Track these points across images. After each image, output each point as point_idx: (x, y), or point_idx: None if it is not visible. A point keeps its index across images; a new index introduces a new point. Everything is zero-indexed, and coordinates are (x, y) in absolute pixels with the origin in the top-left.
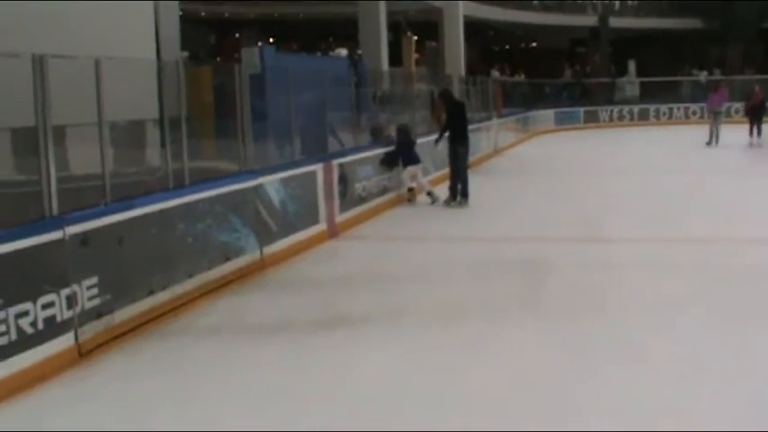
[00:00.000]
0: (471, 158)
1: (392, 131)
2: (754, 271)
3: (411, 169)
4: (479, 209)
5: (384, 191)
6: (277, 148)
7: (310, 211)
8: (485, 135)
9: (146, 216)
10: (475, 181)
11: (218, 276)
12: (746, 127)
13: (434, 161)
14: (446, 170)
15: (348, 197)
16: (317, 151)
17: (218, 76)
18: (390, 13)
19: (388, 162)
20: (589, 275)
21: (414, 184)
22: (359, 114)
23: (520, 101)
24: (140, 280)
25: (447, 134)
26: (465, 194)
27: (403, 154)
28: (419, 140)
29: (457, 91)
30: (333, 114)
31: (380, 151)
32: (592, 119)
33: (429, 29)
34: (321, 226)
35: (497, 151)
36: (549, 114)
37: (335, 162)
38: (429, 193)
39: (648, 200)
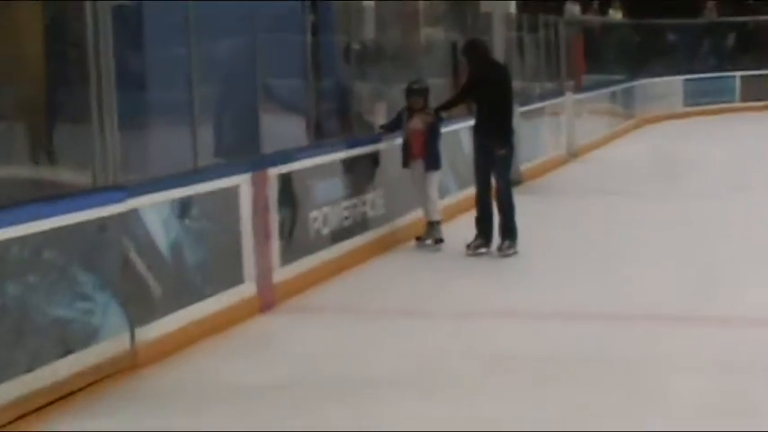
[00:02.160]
0: (522, 167)
1: (379, 115)
2: None
3: (435, 178)
4: (530, 260)
5: (362, 224)
6: (165, 143)
7: (227, 263)
8: (549, 124)
9: None
10: (526, 208)
11: (48, 384)
12: None
13: (453, 170)
14: (471, 189)
15: (296, 236)
16: (241, 150)
17: (51, 10)
18: None
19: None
20: (729, 390)
21: (439, 217)
22: (318, 83)
23: (617, 61)
24: None
25: (473, 123)
26: (508, 233)
27: (430, 140)
28: None
29: (500, 43)
30: (271, 83)
31: (358, 152)
32: (756, 93)
33: None
34: (247, 289)
35: (573, 154)
36: (672, 85)
37: (274, 171)
38: (430, 225)
39: None
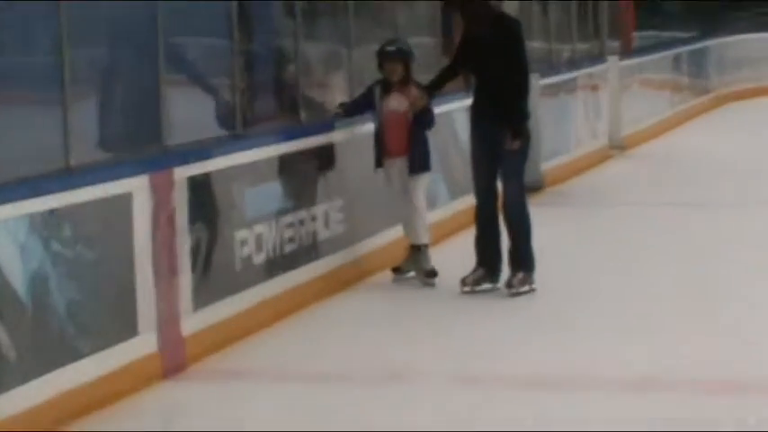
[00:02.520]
0: (543, 166)
1: (336, 91)
2: None
3: (423, 183)
4: (552, 302)
5: (311, 250)
6: (24, 130)
7: (115, 307)
8: (584, 104)
9: None
10: (549, 225)
11: None
12: None
13: (444, 170)
14: (469, 198)
15: (216, 267)
16: (136, 142)
17: None
18: None
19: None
20: None
21: (426, 239)
22: (248, 45)
23: (684, 11)
24: None
25: (471, 103)
26: (521, 262)
27: (417, 128)
28: None
29: None
30: (180, 46)
31: (305, 145)
32: None
33: None
34: (144, 344)
35: (618, 146)
36: (762, 43)
37: (183, 172)
38: (415, 250)
39: None
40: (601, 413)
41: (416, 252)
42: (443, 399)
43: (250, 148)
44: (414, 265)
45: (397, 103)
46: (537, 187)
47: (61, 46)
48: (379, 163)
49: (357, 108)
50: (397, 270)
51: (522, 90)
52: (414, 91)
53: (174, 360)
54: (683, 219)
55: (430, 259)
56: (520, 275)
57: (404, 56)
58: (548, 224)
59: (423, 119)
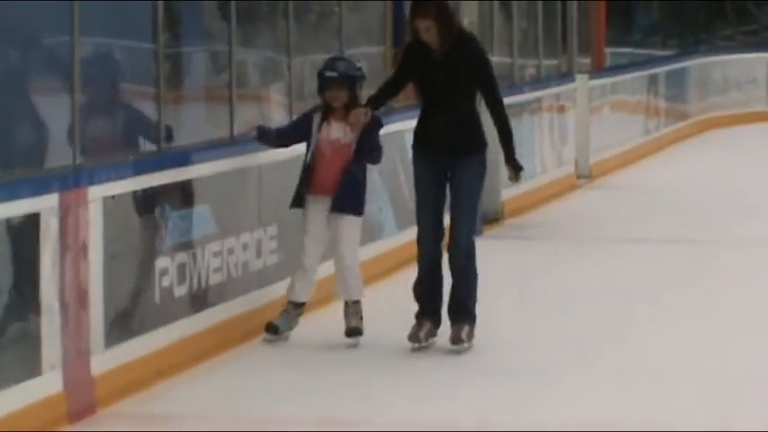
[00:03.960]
0: (508, 192)
1: (273, 105)
2: None
3: (357, 228)
4: (499, 357)
5: (241, 282)
6: None
7: (15, 342)
8: (549, 126)
9: None
10: (505, 261)
11: None
12: None
13: (392, 196)
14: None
15: (134, 299)
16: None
17: None
18: None
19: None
20: None
21: (361, 293)
22: (177, 49)
23: (661, 26)
24: None
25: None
26: (467, 315)
27: (356, 162)
28: None
29: None
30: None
31: (235, 163)
32: None
33: None
34: (48, 384)
35: (587, 175)
36: (753, 66)
37: (97, 191)
38: (347, 306)
39: None
40: None
41: (348, 311)
42: None
43: (171, 166)
44: (348, 318)
45: (339, 132)
46: (495, 218)
47: None
48: (299, 201)
49: (287, 137)
50: (272, 329)
51: (508, 120)
52: (363, 116)
53: (82, 402)
54: (655, 259)
55: (361, 317)
56: (466, 329)
57: (349, 80)
58: (503, 259)
59: (366, 146)
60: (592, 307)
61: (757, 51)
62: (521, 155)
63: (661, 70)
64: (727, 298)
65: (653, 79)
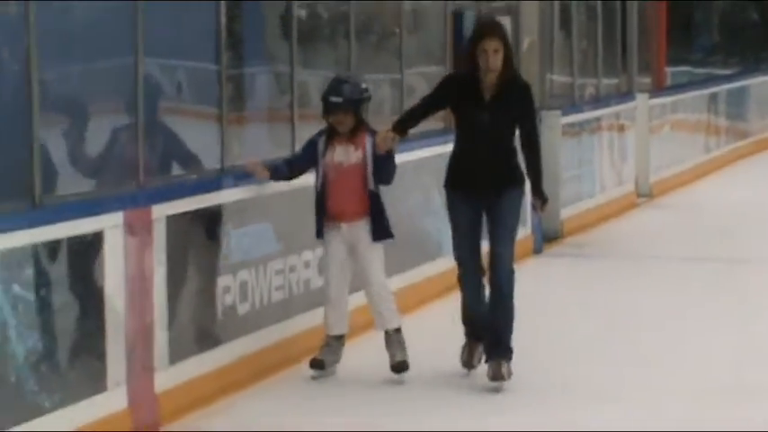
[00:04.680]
0: (568, 210)
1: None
2: None
3: (381, 253)
4: (577, 367)
5: (303, 298)
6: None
7: (81, 359)
8: (609, 145)
9: None
10: (564, 278)
11: None
12: None
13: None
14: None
15: (197, 317)
16: (113, 174)
17: None
18: None
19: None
20: None
21: (397, 323)
22: (239, 68)
23: (722, 45)
24: None
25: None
26: (506, 349)
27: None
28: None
29: (533, 14)
30: (164, 64)
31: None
32: None
33: None
34: (113, 400)
35: (647, 193)
36: None
37: (161, 210)
38: (388, 335)
39: None
40: None
41: (390, 340)
42: None
43: (242, 181)
44: (393, 353)
45: (344, 154)
46: (555, 236)
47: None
48: (320, 231)
49: (298, 167)
50: (317, 365)
51: (541, 157)
52: (369, 137)
53: (146, 419)
54: (711, 276)
55: (404, 347)
56: (506, 366)
57: (353, 105)
58: (563, 277)
59: (383, 170)
60: (644, 324)
61: None
62: (581, 173)
63: (721, 89)
64: None
65: (713, 98)
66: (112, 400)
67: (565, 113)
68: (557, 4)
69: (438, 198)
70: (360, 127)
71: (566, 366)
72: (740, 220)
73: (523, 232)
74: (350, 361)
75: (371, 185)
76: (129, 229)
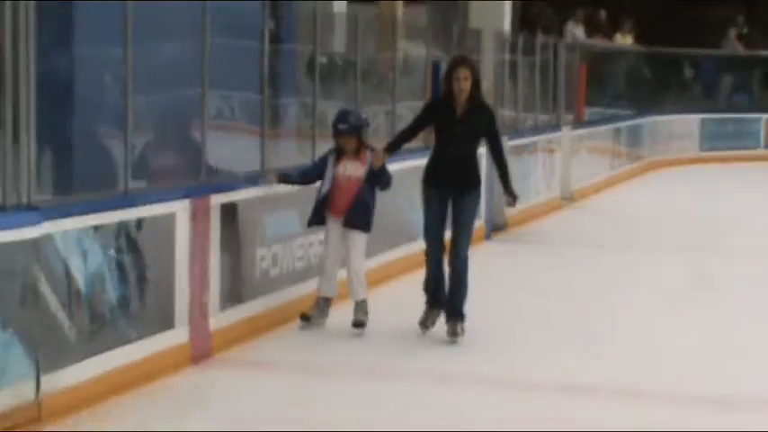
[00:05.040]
0: (511, 209)
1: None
2: None
3: (364, 242)
4: (520, 321)
5: (313, 269)
6: (92, 158)
7: (156, 303)
8: (542, 162)
9: None
10: (507, 258)
11: None
12: None
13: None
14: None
15: (241, 277)
16: (181, 173)
17: None
18: None
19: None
20: None
21: (365, 295)
22: (275, 98)
23: (624, 93)
24: None
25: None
26: (461, 313)
27: (368, 191)
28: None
29: (490, 65)
30: (221, 95)
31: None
32: None
33: None
34: (177, 336)
35: (568, 198)
36: (689, 124)
37: (217, 199)
38: (356, 305)
39: None
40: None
41: (357, 308)
42: (426, 386)
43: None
44: (358, 314)
45: (353, 169)
46: (501, 227)
47: (126, 92)
48: (319, 220)
49: (307, 176)
50: (306, 318)
51: (507, 163)
52: (369, 153)
53: (202, 349)
54: (615, 261)
55: (366, 311)
56: (460, 326)
57: (356, 130)
58: (507, 255)
59: (380, 178)
60: (568, 293)
61: (690, 113)
62: (522, 183)
63: (623, 125)
64: (667, 288)
65: (617, 131)
66: (178, 335)
67: (511, 138)
68: (507, 59)
69: (417, 197)
70: (362, 147)
71: (508, 325)
72: (633, 217)
73: (478, 223)
74: (335, 319)
75: (363, 191)
76: (194, 212)
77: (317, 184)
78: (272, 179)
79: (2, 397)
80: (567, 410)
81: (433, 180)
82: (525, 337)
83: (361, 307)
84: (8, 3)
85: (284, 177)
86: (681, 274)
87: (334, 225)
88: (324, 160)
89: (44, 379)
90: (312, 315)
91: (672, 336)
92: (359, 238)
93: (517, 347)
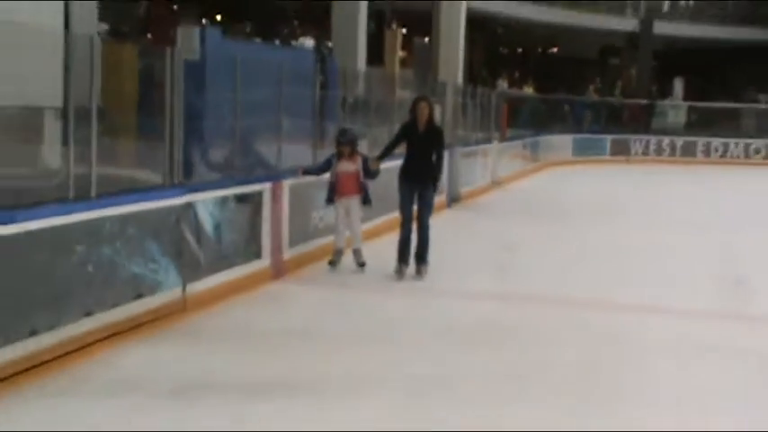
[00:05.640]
0: (463, 189)
1: (362, 147)
2: None
3: (361, 211)
4: (467, 255)
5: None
6: (215, 158)
7: (251, 243)
8: (481, 162)
9: (33, 233)
10: (463, 220)
11: (125, 317)
12: None
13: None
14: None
15: (301, 228)
16: (266, 166)
17: (144, 58)
18: None
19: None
20: (598, 353)
21: (360, 245)
22: (322, 123)
23: (530, 121)
24: (19, 316)
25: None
26: (424, 260)
27: (367, 177)
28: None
29: (450, 104)
30: (290, 120)
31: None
32: (621, 150)
33: (421, 21)
34: (263, 262)
35: (496, 183)
36: (566, 141)
37: (287, 182)
38: (355, 252)
39: (688, 263)
40: (492, 316)
41: (356, 254)
42: (412, 301)
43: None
44: (356, 260)
45: (348, 166)
46: (457, 200)
47: (235, 117)
48: (330, 201)
49: (319, 170)
50: (332, 263)
51: (443, 165)
52: (360, 158)
53: (278, 271)
54: (521, 218)
55: (362, 256)
56: (424, 267)
57: (351, 142)
58: (459, 219)
59: (373, 173)
60: (497, 239)
61: (566, 134)
62: (470, 174)
63: (528, 140)
64: (554, 228)
65: (525, 144)
66: (264, 262)
67: (463, 147)
68: (460, 101)
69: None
70: (354, 153)
71: (461, 258)
72: (534, 195)
73: (441, 198)
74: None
75: (362, 179)
76: (273, 190)
77: (326, 176)
78: (300, 172)
79: (165, 296)
80: (498, 313)
81: (405, 175)
82: (472, 265)
83: (359, 253)
84: (168, 60)
85: (306, 171)
86: (562, 223)
87: (339, 203)
88: (329, 161)
89: (187, 286)
90: (333, 260)
91: (562, 248)
92: (358, 209)
93: (467, 272)
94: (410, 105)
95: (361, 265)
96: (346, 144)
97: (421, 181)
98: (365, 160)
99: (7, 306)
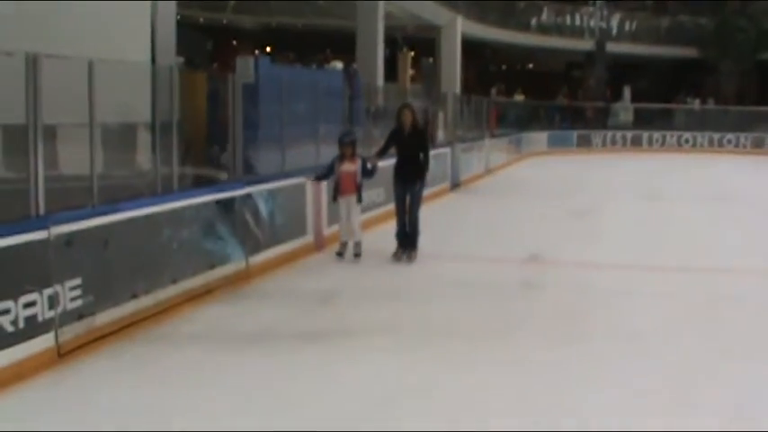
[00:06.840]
0: (462, 177)
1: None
2: (738, 301)
3: (359, 207)
4: (468, 228)
5: (370, 207)
6: (269, 157)
7: (298, 223)
8: (477, 154)
9: (132, 220)
10: (464, 200)
11: (202, 284)
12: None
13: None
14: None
15: (334, 211)
16: (307, 163)
17: (212, 83)
18: (388, 29)
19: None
20: (570, 300)
21: (360, 239)
22: (351, 127)
23: (514, 121)
24: (123, 283)
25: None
26: (414, 246)
27: (365, 176)
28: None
29: (450, 110)
30: (325, 126)
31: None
32: (584, 143)
33: (426, 45)
34: (308, 238)
35: (488, 171)
36: (542, 136)
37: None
38: (355, 244)
39: (641, 226)
40: (490, 274)
41: (355, 246)
42: (429, 266)
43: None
44: (355, 250)
45: (349, 167)
46: (458, 185)
47: (281, 127)
48: (335, 198)
49: (325, 175)
50: (339, 254)
51: (429, 164)
52: (359, 158)
53: (320, 245)
54: (511, 199)
55: (361, 249)
56: (414, 253)
57: (352, 143)
58: (461, 200)
59: (371, 173)
60: (492, 215)
61: (543, 131)
62: (467, 165)
63: (513, 137)
64: (541, 203)
65: (512, 139)
66: (308, 238)
67: (461, 143)
68: (458, 107)
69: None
70: (354, 154)
71: (463, 231)
72: (519, 180)
73: (445, 183)
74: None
75: (359, 180)
76: (315, 183)
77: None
78: (312, 180)
79: (232, 266)
80: (492, 272)
81: (397, 175)
82: (472, 238)
83: (358, 245)
84: (230, 83)
85: (318, 178)
86: (540, 199)
87: (342, 200)
88: (333, 162)
89: (249, 258)
90: (340, 251)
91: (539, 217)
92: (357, 206)
93: (467, 241)
94: (395, 113)
95: (357, 255)
96: (348, 144)
97: (410, 180)
98: (364, 162)
99: (115, 277)
